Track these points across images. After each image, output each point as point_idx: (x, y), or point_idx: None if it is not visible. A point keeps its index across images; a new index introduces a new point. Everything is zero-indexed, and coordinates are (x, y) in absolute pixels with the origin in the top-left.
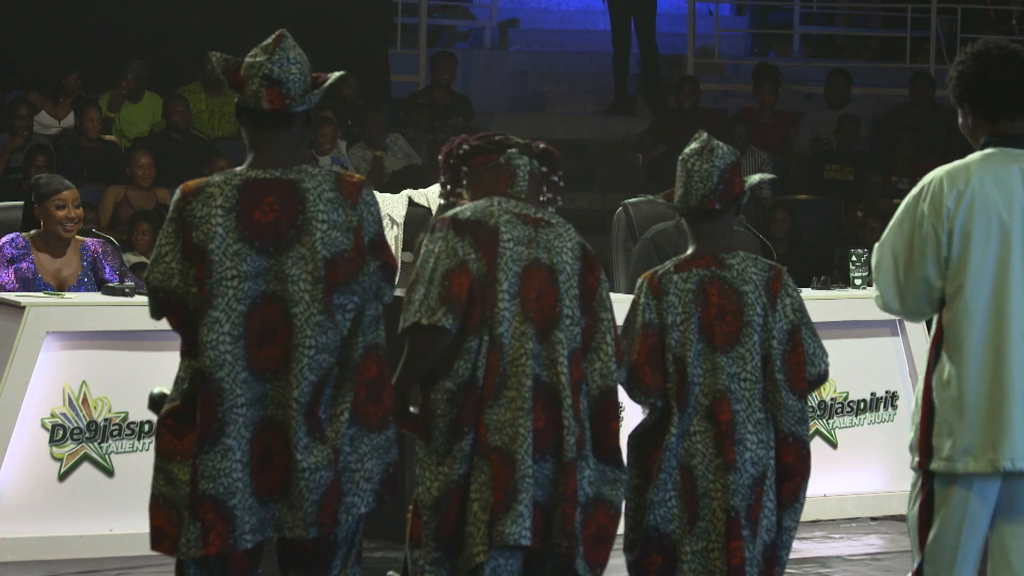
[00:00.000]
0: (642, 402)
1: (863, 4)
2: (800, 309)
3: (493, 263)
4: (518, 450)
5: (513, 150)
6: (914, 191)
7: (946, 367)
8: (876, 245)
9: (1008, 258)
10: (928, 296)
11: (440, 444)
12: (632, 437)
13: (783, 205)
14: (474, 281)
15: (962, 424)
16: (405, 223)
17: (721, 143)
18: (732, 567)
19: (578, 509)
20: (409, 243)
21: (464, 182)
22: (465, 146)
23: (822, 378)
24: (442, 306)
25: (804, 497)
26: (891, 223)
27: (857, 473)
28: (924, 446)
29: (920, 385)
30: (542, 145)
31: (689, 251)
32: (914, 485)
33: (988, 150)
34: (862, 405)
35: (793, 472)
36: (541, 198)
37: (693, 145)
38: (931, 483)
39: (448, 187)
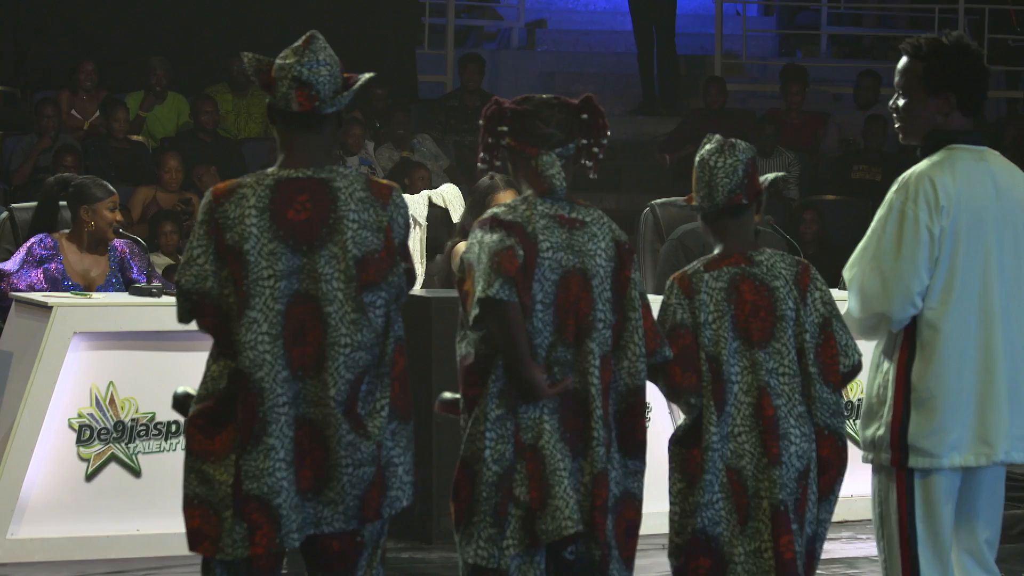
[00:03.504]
0: (677, 401)
1: (891, 4)
2: (830, 302)
3: (531, 269)
4: (545, 445)
5: (547, 156)
6: (894, 195)
7: (931, 365)
8: (852, 256)
9: (990, 257)
10: (915, 296)
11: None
12: (672, 441)
13: (811, 206)
14: (519, 269)
15: (950, 420)
16: (427, 225)
17: (738, 140)
18: (785, 561)
19: (609, 518)
20: (431, 244)
21: (504, 153)
22: (503, 127)
23: (856, 369)
24: (498, 278)
25: (839, 490)
26: (870, 230)
27: None
28: (898, 443)
29: (885, 381)
30: (585, 115)
31: (716, 251)
32: (880, 484)
33: (952, 148)
34: None
35: (829, 465)
36: (586, 162)
37: (708, 146)
38: (909, 481)
39: (485, 156)
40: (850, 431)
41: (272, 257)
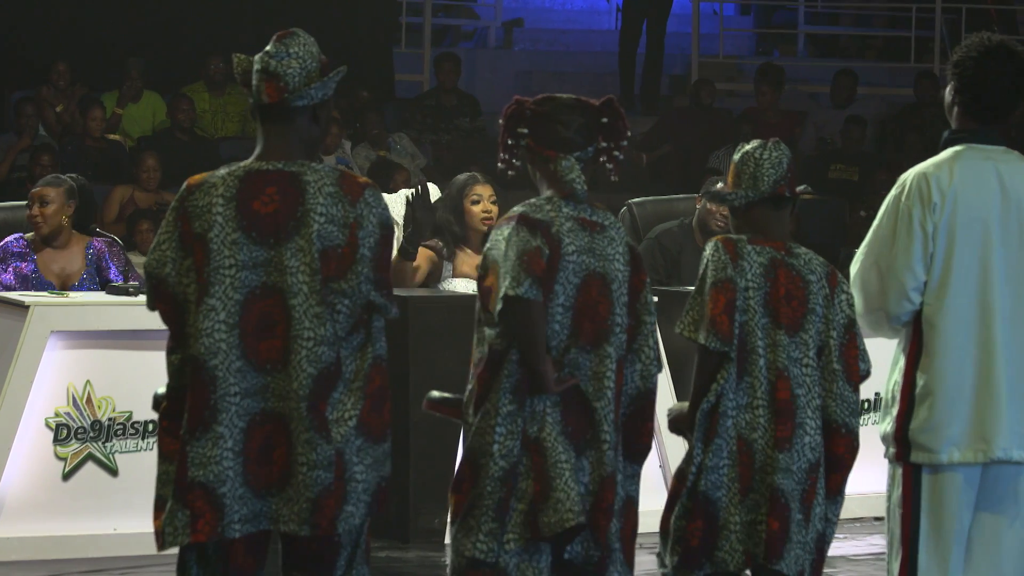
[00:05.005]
0: (718, 348)
1: (868, 4)
2: (854, 306)
3: (554, 270)
4: (546, 437)
5: (565, 161)
6: (894, 192)
7: (931, 361)
8: (857, 253)
9: (990, 255)
10: (910, 292)
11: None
12: (701, 414)
13: None
14: (544, 270)
15: (947, 416)
16: (403, 223)
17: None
18: (768, 539)
19: (613, 520)
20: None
21: (523, 153)
22: (524, 129)
23: (868, 375)
24: (527, 277)
25: (845, 491)
26: (872, 227)
27: (861, 473)
28: (900, 438)
29: (898, 378)
30: (605, 119)
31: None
32: (892, 476)
33: (958, 147)
34: (866, 405)
35: (842, 464)
36: (606, 164)
37: (749, 145)
38: (915, 475)
39: (504, 156)
40: None
41: (234, 247)
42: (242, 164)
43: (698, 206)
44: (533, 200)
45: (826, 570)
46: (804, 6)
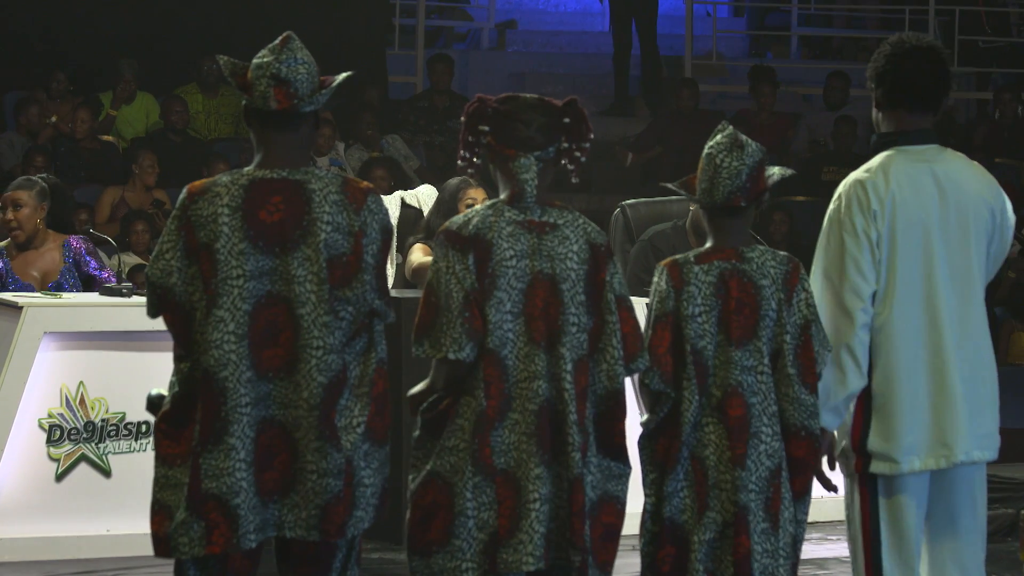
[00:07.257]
0: (660, 389)
1: (861, 6)
2: (812, 305)
3: (492, 281)
4: (523, 476)
5: (524, 159)
6: (832, 205)
7: (882, 370)
8: (811, 272)
9: (933, 258)
10: (868, 302)
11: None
12: (641, 439)
13: (781, 207)
14: (479, 306)
15: (905, 425)
16: (398, 225)
17: (749, 139)
18: (738, 559)
19: (586, 522)
20: (400, 244)
21: (484, 152)
22: (485, 127)
23: (819, 378)
24: (469, 341)
25: (812, 490)
26: (818, 246)
27: None
28: (859, 449)
29: None
30: (567, 119)
31: (708, 244)
32: (847, 486)
33: (890, 151)
34: None
35: (804, 466)
36: (567, 165)
37: (719, 138)
38: (871, 484)
39: (465, 154)
40: None
41: (241, 257)
42: (245, 172)
43: (691, 208)
44: (476, 208)
45: (819, 572)
46: (797, 8)
